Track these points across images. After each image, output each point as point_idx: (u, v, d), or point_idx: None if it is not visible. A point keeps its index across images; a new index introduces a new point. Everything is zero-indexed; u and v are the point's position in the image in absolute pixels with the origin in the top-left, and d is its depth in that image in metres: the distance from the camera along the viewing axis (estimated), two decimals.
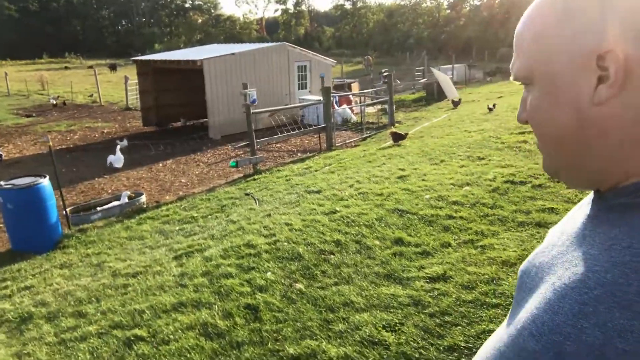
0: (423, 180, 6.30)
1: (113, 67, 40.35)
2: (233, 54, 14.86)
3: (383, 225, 4.74)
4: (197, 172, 10.41)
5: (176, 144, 13.32)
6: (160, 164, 11.33)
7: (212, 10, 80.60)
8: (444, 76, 20.52)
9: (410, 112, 17.54)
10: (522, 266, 0.69)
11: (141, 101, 16.72)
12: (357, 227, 4.73)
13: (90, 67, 43.65)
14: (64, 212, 6.72)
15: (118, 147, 10.88)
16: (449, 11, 64.14)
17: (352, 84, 23.24)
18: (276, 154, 11.67)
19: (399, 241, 4.31)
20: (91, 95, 25.47)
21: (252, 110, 9.04)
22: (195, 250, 4.72)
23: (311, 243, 4.44)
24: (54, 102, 22.65)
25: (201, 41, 61.63)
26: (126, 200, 7.37)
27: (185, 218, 6.30)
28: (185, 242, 5.14)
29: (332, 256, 4.15)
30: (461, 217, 4.76)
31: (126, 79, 22.38)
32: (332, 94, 16.93)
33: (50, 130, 17.00)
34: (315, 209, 5.49)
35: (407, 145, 9.49)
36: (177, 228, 5.87)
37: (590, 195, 0.66)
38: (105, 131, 16.52)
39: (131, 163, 11.27)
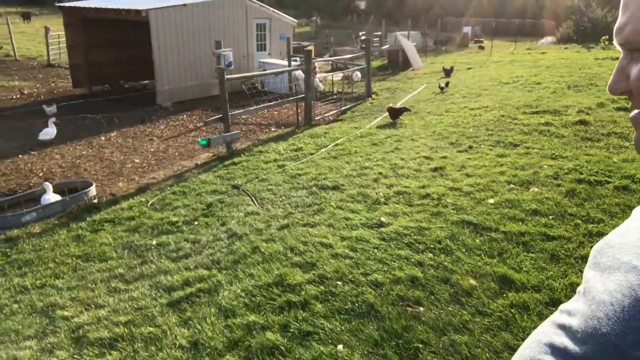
0: (466, 174, 5.08)
1: (27, 16, 35.20)
2: (185, 5, 12.64)
3: (463, 249, 3.47)
4: (152, 150, 8.54)
5: (118, 112, 11.12)
6: (103, 138, 9.27)
7: None
8: (409, 44, 19.34)
9: (378, 81, 16.23)
10: (597, 246, 0.63)
11: (70, 58, 14.03)
12: (429, 253, 3.42)
13: None
14: None
15: (51, 120, 8.66)
16: None
17: (308, 47, 21.56)
18: (244, 128, 9.97)
19: (505, 280, 3.06)
20: (0, 48, 21.72)
21: (226, 76, 7.29)
22: (199, 290, 3.20)
23: (378, 283, 3.08)
24: None
25: None
26: (50, 197, 5.42)
27: (161, 224, 4.66)
28: (176, 270, 3.58)
29: (420, 309, 2.83)
30: (562, 237, 3.59)
31: (47, 30, 19.13)
32: (294, 58, 15.32)
33: None
34: (350, 219, 4.11)
35: (407, 124, 8.22)
36: (154, 242, 4.25)
37: None
38: (25, 92, 13.79)
39: (65, 135, 9.12)
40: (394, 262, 3.32)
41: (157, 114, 11.26)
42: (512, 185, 4.65)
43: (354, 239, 3.69)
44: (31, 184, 6.86)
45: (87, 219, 5.06)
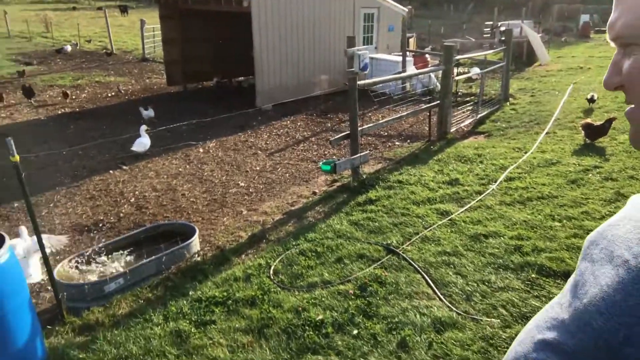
0: None
1: (124, 10, 36.15)
2: None
3: None
4: (257, 168, 7.07)
5: (214, 114, 9.84)
6: (201, 150, 7.98)
7: None
8: (535, 35, 16.56)
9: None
10: (590, 236, 0.62)
11: (165, 53, 13.14)
12: None
13: (100, 8, 39.55)
14: (49, 274, 3.46)
15: (143, 127, 7.48)
16: None
17: (410, 39, 19.43)
18: (362, 140, 8.20)
19: None
20: (89, 41, 21.93)
21: (358, 82, 5.55)
22: None
23: None
24: (69, 48, 19.11)
25: None
26: (22, 249, 3.52)
27: (299, 324, 3.02)
28: None
29: None
30: None
31: (142, 23, 18.67)
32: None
33: (53, 84, 13.64)
34: None
35: (598, 146, 6.02)
36: None
37: None
38: (121, 88, 13.11)
39: (160, 144, 7.92)
40: None
41: (257, 119, 9.86)
42: None
43: None
44: (121, 214, 5.62)
45: (190, 293, 3.56)
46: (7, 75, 14.66)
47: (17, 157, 2.71)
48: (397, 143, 7.98)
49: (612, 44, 0.60)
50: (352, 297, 3.27)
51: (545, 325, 0.57)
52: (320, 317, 3.06)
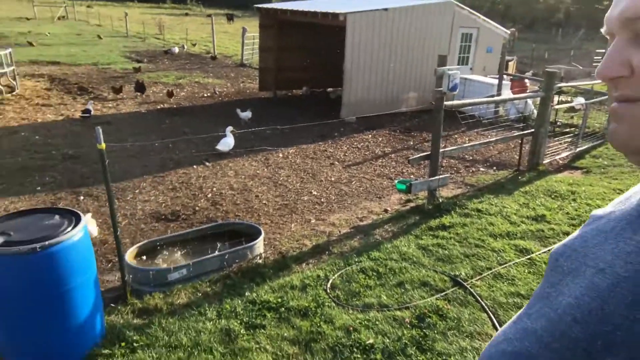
0: None
1: (230, 18, 38.41)
2: (386, 9, 11.07)
3: None
4: (332, 179, 7.04)
5: (299, 122, 10.02)
6: (280, 155, 8.12)
7: None
8: None
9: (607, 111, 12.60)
10: (557, 249, 0.62)
11: (260, 60, 13.68)
12: None
13: (209, 15, 42.33)
14: (119, 256, 3.64)
15: (229, 128, 7.79)
16: None
17: (509, 62, 18.51)
18: (443, 162, 7.87)
19: None
20: (194, 44, 23.48)
21: (445, 102, 5.31)
22: None
23: None
24: (176, 50, 20.72)
25: None
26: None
27: (352, 345, 2.89)
28: None
29: None
30: None
31: (244, 30, 19.63)
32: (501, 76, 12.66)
33: (157, 81, 14.74)
34: None
35: None
36: None
37: None
38: (216, 89, 13.83)
39: (243, 145, 8.19)
40: None
41: (339, 130, 9.87)
42: None
43: None
44: (197, 207, 5.85)
45: (246, 294, 3.57)
46: (120, 70, 16.11)
47: (104, 145, 2.89)
48: (481, 169, 7.54)
49: (616, 32, 0.54)
50: (408, 325, 3.07)
51: (515, 337, 0.55)
52: (371, 341, 2.91)
